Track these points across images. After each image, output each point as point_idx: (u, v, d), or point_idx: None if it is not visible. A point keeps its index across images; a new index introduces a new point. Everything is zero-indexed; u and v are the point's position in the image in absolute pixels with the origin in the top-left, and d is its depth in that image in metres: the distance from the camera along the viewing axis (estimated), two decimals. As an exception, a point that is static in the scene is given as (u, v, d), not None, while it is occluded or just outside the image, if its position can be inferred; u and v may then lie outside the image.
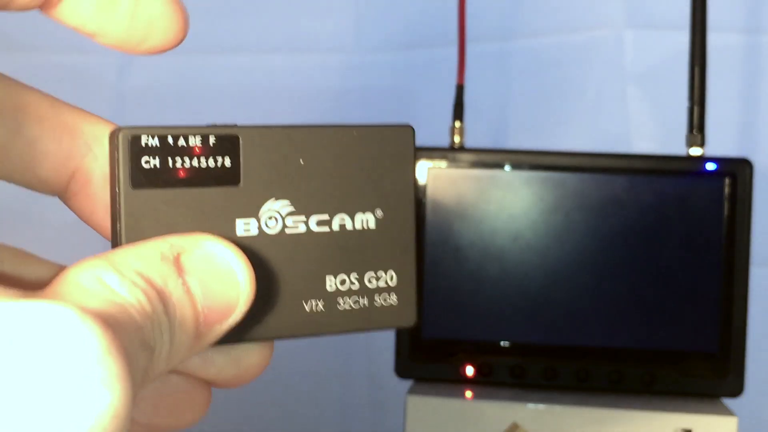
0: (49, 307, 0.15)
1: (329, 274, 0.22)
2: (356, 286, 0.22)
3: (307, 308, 0.22)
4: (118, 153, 0.20)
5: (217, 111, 0.73)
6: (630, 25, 0.69)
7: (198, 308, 0.19)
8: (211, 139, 0.21)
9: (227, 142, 0.21)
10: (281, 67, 0.72)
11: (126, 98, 0.73)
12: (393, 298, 0.23)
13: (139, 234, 0.20)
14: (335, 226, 0.22)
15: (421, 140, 0.64)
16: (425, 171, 0.55)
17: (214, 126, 0.21)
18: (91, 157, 0.22)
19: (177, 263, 0.19)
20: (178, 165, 0.20)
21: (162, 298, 0.18)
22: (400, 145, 0.23)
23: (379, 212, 0.23)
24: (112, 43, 0.22)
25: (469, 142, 0.60)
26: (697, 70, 0.55)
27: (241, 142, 0.21)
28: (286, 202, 0.22)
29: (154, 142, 0.20)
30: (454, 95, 0.60)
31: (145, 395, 0.21)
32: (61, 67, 0.73)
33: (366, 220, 0.22)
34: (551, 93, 0.71)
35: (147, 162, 0.20)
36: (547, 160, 0.55)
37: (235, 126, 0.21)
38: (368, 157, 0.22)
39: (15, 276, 0.22)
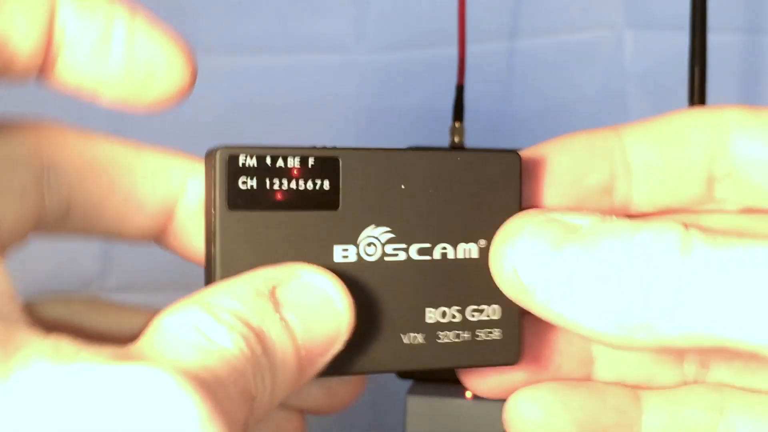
0: (147, 372, 0.14)
1: (429, 305, 0.21)
2: (458, 319, 0.22)
3: (405, 341, 0.21)
4: (215, 173, 0.19)
5: (217, 111, 0.73)
6: (630, 25, 0.69)
7: (298, 342, 0.18)
8: (311, 161, 0.20)
9: (327, 164, 0.20)
10: (281, 67, 0.72)
11: (126, 98, 0.73)
12: (496, 333, 0.22)
13: (235, 257, 0.19)
14: (437, 255, 0.21)
15: (421, 140, 0.64)
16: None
17: (314, 148, 0.20)
18: (187, 196, 0.22)
19: (273, 298, 0.18)
20: (276, 187, 0.20)
21: (260, 338, 0.17)
22: (505, 171, 0.22)
23: (482, 242, 0.22)
24: (113, 96, 0.21)
25: (469, 142, 0.60)
26: (697, 70, 0.55)
27: (341, 164, 0.20)
28: (386, 228, 0.21)
29: (252, 162, 0.20)
30: (454, 95, 0.60)
31: None
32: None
33: (469, 249, 0.22)
34: (551, 93, 0.71)
35: (244, 183, 0.20)
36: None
37: (335, 148, 0.20)
38: (472, 184, 0.21)
39: (99, 330, 0.21)
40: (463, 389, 0.55)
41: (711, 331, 0.18)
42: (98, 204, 0.21)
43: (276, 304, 0.18)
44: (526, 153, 0.22)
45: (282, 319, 0.18)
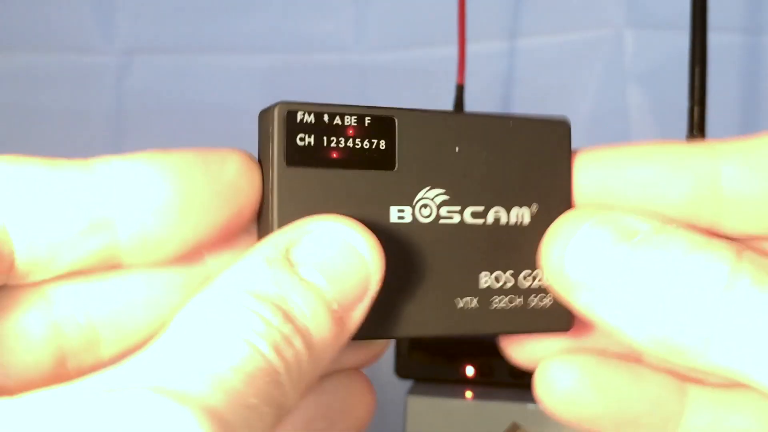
0: (144, 405, 0.14)
1: (484, 270, 0.21)
2: (511, 284, 0.21)
3: (460, 305, 0.21)
4: (273, 128, 0.19)
5: (217, 111, 0.73)
6: (630, 25, 0.69)
7: (327, 298, 0.17)
8: (367, 120, 0.20)
9: (383, 123, 0.20)
10: (281, 67, 0.72)
11: (126, 98, 0.73)
12: (548, 300, 0.22)
13: (291, 214, 0.19)
14: (490, 219, 0.21)
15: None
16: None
17: (371, 107, 0.20)
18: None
19: (287, 261, 0.17)
20: (333, 144, 0.20)
21: (282, 309, 0.17)
22: (556, 139, 0.22)
23: (534, 207, 0.22)
24: None
25: (469, 142, 0.60)
26: (697, 70, 0.55)
27: (397, 124, 0.20)
28: (441, 190, 0.21)
29: (310, 119, 0.20)
30: (454, 95, 0.60)
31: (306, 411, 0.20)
32: (61, 67, 0.72)
33: (522, 214, 0.21)
34: (551, 93, 0.71)
35: (302, 139, 0.19)
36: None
37: (391, 108, 0.20)
38: (524, 150, 0.21)
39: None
40: (464, 389, 0.55)
41: (740, 371, 0.18)
42: None
43: (292, 266, 0.17)
44: (598, 150, 0.22)
45: (302, 279, 0.17)
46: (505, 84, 0.72)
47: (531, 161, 0.21)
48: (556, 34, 0.70)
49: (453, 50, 0.60)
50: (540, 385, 0.22)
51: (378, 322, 0.20)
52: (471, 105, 0.60)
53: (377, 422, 0.82)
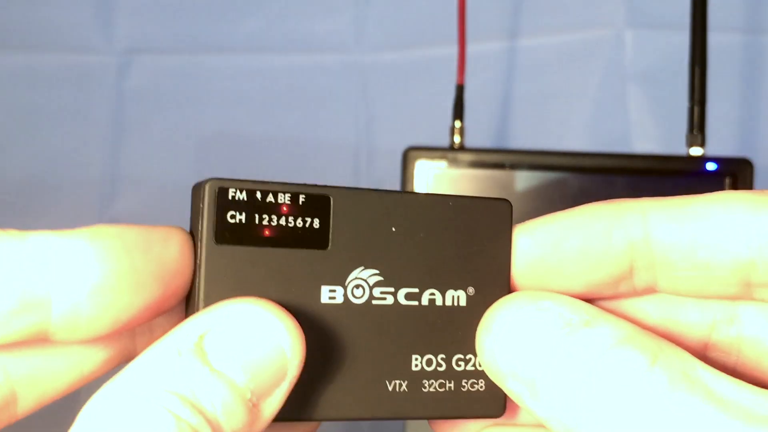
0: None
1: (416, 353, 0.21)
2: (443, 368, 0.21)
3: (390, 388, 0.20)
4: (203, 205, 0.19)
5: (217, 111, 0.73)
6: (630, 25, 0.69)
7: (240, 387, 0.17)
8: (301, 198, 0.20)
9: (318, 202, 0.20)
10: (281, 67, 0.72)
11: (126, 98, 0.73)
12: (481, 384, 0.21)
13: (219, 293, 0.19)
14: (424, 301, 0.21)
15: (421, 140, 0.64)
16: (425, 171, 0.55)
17: (305, 185, 0.20)
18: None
19: (200, 350, 0.17)
20: (265, 222, 0.19)
21: (191, 401, 0.16)
22: (496, 219, 0.22)
23: (471, 290, 0.21)
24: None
25: (469, 142, 0.60)
26: (697, 69, 0.55)
27: (332, 203, 0.20)
28: (375, 270, 0.20)
29: (242, 196, 0.19)
30: (454, 95, 0.60)
31: None
32: (61, 67, 0.72)
33: (457, 297, 0.21)
34: (551, 93, 0.71)
35: (233, 217, 0.19)
36: (547, 160, 0.55)
37: (326, 186, 0.20)
38: (463, 230, 0.21)
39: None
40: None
41: None
42: None
43: (204, 356, 0.17)
44: (532, 226, 0.21)
45: (214, 370, 0.17)
46: (505, 84, 0.72)
47: (470, 242, 0.21)
48: (556, 34, 0.70)
49: (453, 50, 0.60)
50: None
51: (302, 403, 0.19)
52: (471, 105, 0.60)
53: (377, 422, 0.83)
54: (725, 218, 0.19)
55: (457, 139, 0.59)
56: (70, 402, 0.22)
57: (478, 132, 0.66)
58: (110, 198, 0.72)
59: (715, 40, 0.57)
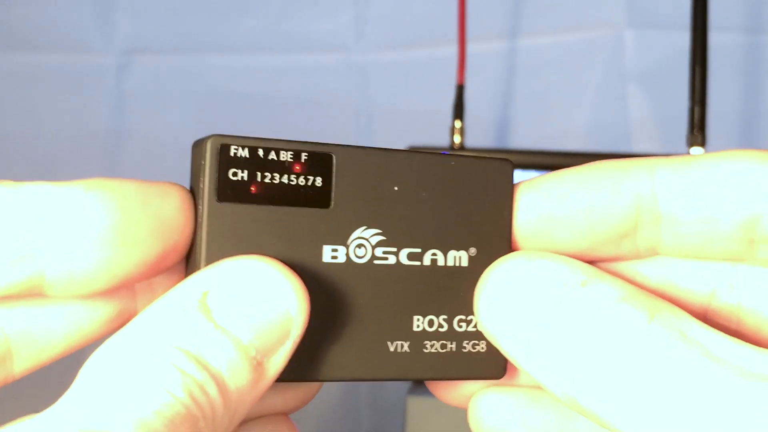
0: None
1: (417, 313, 0.21)
2: (444, 328, 0.21)
3: (391, 349, 0.20)
4: (204, 162, 0.19)
5: (217, 111, 0.73)
6: (630, 25, 0.69)
7: (245, 344, 0.17)
8: (303, 156, 0.19)
9: (320, 160, 0.19)
10: (281, 67, 0.72)
11: (126, 98, 0.73)
12: (482, 346, 0.21)
13: (220, 252, 0.18)
14: (426, 261, 0.21)
15: (421, 140, 0.64)
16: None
17: (308, 142, 0.19)
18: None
19: (204, 306, 0.17)
20: (267, 180, 0.19)
21: (196, 357, 0.16)
22: (498, 180, 0.21)
23: (472, 250, 0.21)
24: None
25: (469, 142, 0.60)
26: (697, 69, 0.55)
27: (334, 161, 0.20)
28: (377, 230, 0.20)
29: (244, 153, 0.19)
30: (454, 95, 0.60)
31: None
32: (61, 67, 0.72)
33: (459, 257, 0.21)
34: (551, 93, 0.71)
35: (235, 174, 0.19)
36: (547, 160, 0.55)
37: (329, 144, 0.20)
38: (465, 191, 0.21)
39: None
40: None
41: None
42: None
43: (208, 313, 0.17)
44: (539, 181, 0.21)
45: (218, 326, 0.17)
46: (505, 84, 0.72)
47: (472, 202, 0.21)
48: (556, 34, 0.70)
49: (453, 50, 0.60)
50: (472, 418, 0.22)
51: (305, 364, 0.19)
52: (471, 105, 0.60)
53: (377, 422, 0.82)
54: (731, 172, 0.19)
55: (457, 139, 0.59)
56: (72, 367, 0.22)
57: (478, 132, 0.66)
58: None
59: (715, 40, 0.57)
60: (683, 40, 0.57)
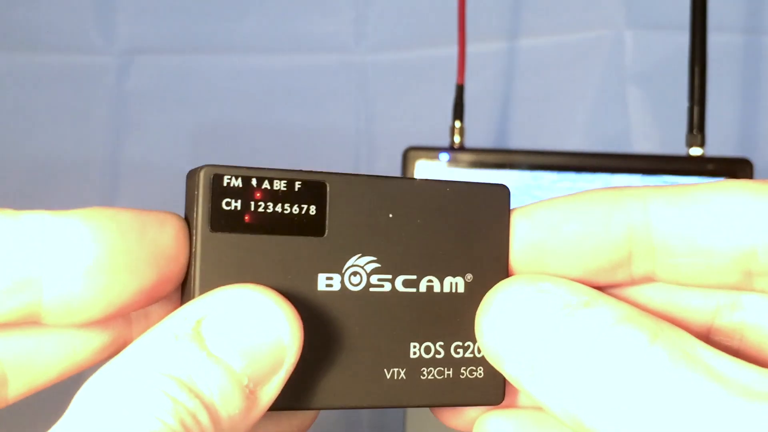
0: None
1: (414, 340, 0.20)
2: (441, 355, 0.21)
3: (388, 376, 0.20)
4: (198, 192, 0.19)
5: (217, 111, 0.73)
6: (630, 25, 0.69)
7: (237, 373, 0.17)
8: (297, 185, 0.19)
9: (314, 188, 0.20)
10: (281, 67, 0.72)
11: (126, 98, 0.73)
12: (480, 371, 0.21)
13: (214, 282, 0.18)
14: (422, 288, 0.21)
15: (421, 140, 0.64)
16: (425, 171, 0.55)
17: (301, 171, 0.20)
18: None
19: (197, 335, 0.17)
20: (261, 210, 0.19)
21: (188, 386, 0.16)
22: (494, 205, 0.21)
23: (469, 276, 0.21)
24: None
25: (469, 142, 0.60)
26: (697, 69, 0.55)
27: (328, 189, 0.20)
28: (372, 258, 0.20)
29: (237, 183, 0.19)
30: (454, 95, 0.60)
31: None
32: (61, 67, 0.73)
33: (455, 283, 0.21)
34: (551, 93, 0.71)
35: (228, 204, 0.19)
36: (547, 160, 0.55)
37: (322, 173, 0.20)
38: (461, 216, 0.21)
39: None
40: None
41: None
42: None
43: (201, 341, 0.17)
44: (531, 209, 0.21)
45: (211, 355, 0.17)
46: (505, 84, 0.72)
47: (468, 228, 0.21)
48: (556, 34, 0.70)
49: (453, 50, 0.60)
50: None
51: (299, 392, 0.19)
52: (471, 105, 0.60)
53: (377, 422, 0.82)
54: (726, 205, 0.19)
55: (457, 139, 0.59)
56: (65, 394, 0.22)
57: (478, 132, 0.66)
58: (110, 199, 0.72)
59: (715, 40, 0.57)
60: (683, 40, 0.57)
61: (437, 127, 0.62)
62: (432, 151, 0.56)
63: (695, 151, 0.55)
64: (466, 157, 0.56)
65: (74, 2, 0.72)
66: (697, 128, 0.56)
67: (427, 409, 0.22)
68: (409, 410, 0.53)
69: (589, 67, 0.70)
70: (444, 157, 0.56)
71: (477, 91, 0.64)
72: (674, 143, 0.58)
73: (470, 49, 0.60)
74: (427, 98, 0.70)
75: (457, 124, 0.59)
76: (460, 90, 0.60)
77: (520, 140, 0.71)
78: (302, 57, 0.72)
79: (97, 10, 0.73)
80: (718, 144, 0.59)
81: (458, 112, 0.59)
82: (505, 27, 0.71)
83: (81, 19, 0.72)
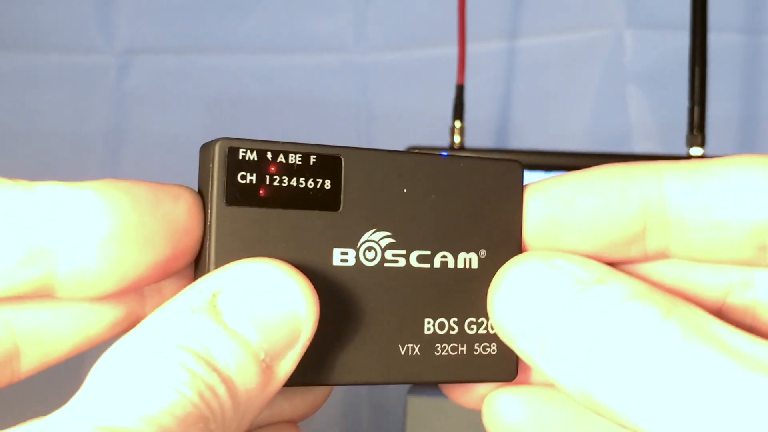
0: None
1: (428, 316, 0.20)
2: (455, 331, 0.21)
3: (402, 352, 0.20)
4: (213, 165, 0.18)
5: (217, 111, 0.73)
6: (630, 25, 0.69)
7: (254, 347, 0.17)
8: (312, 159, 0.19)
9: (329, 163, 0.19)
10: (281, 67, 0.72)
11: (126, 98, 0.73)
12: (493, 348, 0.21)
13: (229, 255, 0.18)
14: (436, 264, 0.21)
15: (421, 140, 0.64)
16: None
17: (316, 145, 0.19)
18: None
19: (213, 308, 0.17)
20: (276, 183, 0.19)
21: (205, 359, 0.16)
22: (507, 181, 0.21)
23: (483, 252, 0.21)
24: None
25: (469, 142, 0.60)
26: (697, 69, 0.55)
27: (343, 163, 0.20)
28: (386, 233, 0.20)
29: (253, 156, 0.19)
30: (454, 95, 0.60)
31: None
32: (61, 67, 0.73)
33: (469, 259, 0.21)
34: (551, 93, 0.71)
35: (243, 177, 0.19)
36: (547, 160, 0.55)
37: (337, 147, 0.20)
38: (474, 192, 0.21)
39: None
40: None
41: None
42: None
43: (218, 315, 0.17)
44: (545, 184, 0.21)
45: (227, 328, 0.17)
46: (505, 84, 0.72)
47: (481, 204, 0.21)
48: (556, 34, 0.70)
49: (453, 50, 0.60)
50: (486, 418, 0.22)
51: (314, 368, 0.19)
52: (471, 105, 0.60)
53: (377, 422, 0.82)
54: (742, 179, 0.19)
55: (457, 139, 0.59)
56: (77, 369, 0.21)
57: (478, 132, 0.66)
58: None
59: (715, 40, 0.57)
60: (683, 40, 0.57)
61: (437, 127, 0.62)
62: (432, 151, 0.56)
63: (696, 151, 0.55)
64: (466, 157, 0.56)
65: (74, 2, 0.72)
66: (697, 128, 0.56)
67: (427, 410, 0.22)
68: (410, 411, 0.53)
69: (589, 67, 0.70)
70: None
71: (477, 91, 0.64)
72: (674, 143, 0.58)
73: (470, 49, 0.60)
74: (427, 98, 0.70)
75: (457, 124, 0.59)
76: (460, 90, 0.60)
77: (520, 140, 0.71)
78: (302, 57, 0.72)
79: (97, 10, 0.73)
80: (718, 144, 0.59)
81: (458, 112, 0.59)
82: (505, 27, 0.71)
83: (81, 18, 0.73)
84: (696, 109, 0.55)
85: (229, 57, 0.72)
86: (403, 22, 0.72)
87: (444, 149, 0.57)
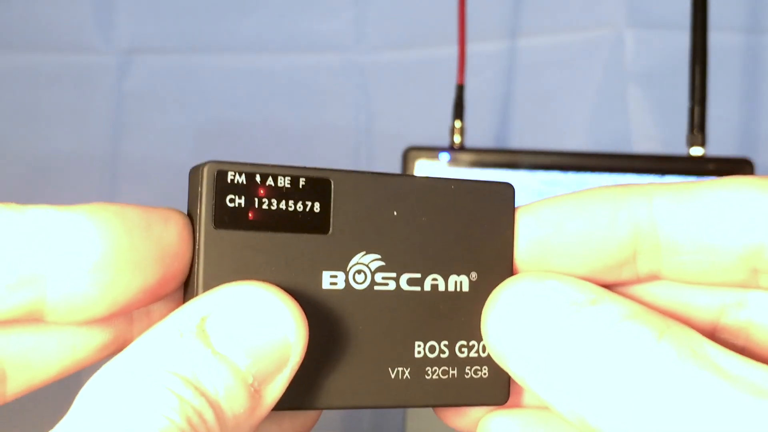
0: None
1: (419, 339, 0.20)
2: (446, 354, 0.21)
3: (392, 375, 0.20)
4: (201, 188, 0.18)
5: (217, 111, 0.73)
6: (630, 24, 0.69)
7: (242, 371, 0.17)
8: (301, 182, 0.19)
9: (318, 185, 0.19)
10: (281, 67, 0.72)
11: (126, 98, 0.73)
12: (484, 371, 0.21)
13: (218, 279, 0.18)
14: (427, 287, 0.20)
15: (421, 140, 0.64)
16: (425, 171, 0.55)
17: (305, 168, 0.19)
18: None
19: (202, 332, 0.17)
20: (264, 207, 0.19)
21: (193, 383, 0.16)
22: (499, 203, 0.21)
23: (474, 275, 0.21)
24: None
25: (469, 142, 0.60)
26: (697, 69, 0.55)
27: (332, 186, 0.20)
28: (376, 256, 0.20)
29: (241, 179, 0.19)
30: (454, 95, 0.60)
31: None
32: (61, 67, 0.72)
33: (460, 282, 0.21)
34: (551, 93, 0.71)
35: (232, 200, 0.19)
36: (547, 160, 0.55)
37: (326, 170, 0.20)
38: (465, 214, 0.21)
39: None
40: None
41: None
42: None
43: (206, 338, 0.17)
44: (536, 207, 0.21)
45: (216, 353, 0.17)
46: (505, 84, 0.72)
47: (472, 226, 0.21)
48: (556, 34, 0.70)
49: (453, 50, 0.60)
50: None
51: (303, 392, 0.19)
52: (471, 105, 0.60)
53: (377, 422, 0.82)
54: (732, 202, 0.19)
55: (457, 139, 0.59)
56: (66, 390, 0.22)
57: (478, 132, 0.66)
58: (109, 199, 0.72)
59: (715, 40, 0.57)
60: (683, 40, 0.57)
61: (437, 127, 0.62)
62: (432, 151, 0.56)
63: (696, 151, 0.55)
64: (466, 156, 0.56)
65: (74, 2, 0.72)
66: (697, 128, 0.55)
67: (428, 409, 0.22)
68: (409, 411, 0.53)
69: (589, 67, 0.70)
70: (444, 157, 0.56)
71: (477, 91, 0.64)
72: (675, 143, 0.58)
73: (470, 49, 0.60)
74: (427, 98, 0.70)
75: (457, 123, 0.59)
76: (460, 90, 0.60)
77: (520, 140, 0.71)
78: (302, 57, 0.72)
79: (96, 10, 0.72)
80: (719, 144, 0.59)
81: (458, 112, 0.59)
82: (505, 27, 0.71)
83: (80, 18, 0.72)
84: (696, 108, 0.55)
85: (229, 57, 0.72)
86: (403, 22, 0.72)
87: (444, 149, 0.57)
